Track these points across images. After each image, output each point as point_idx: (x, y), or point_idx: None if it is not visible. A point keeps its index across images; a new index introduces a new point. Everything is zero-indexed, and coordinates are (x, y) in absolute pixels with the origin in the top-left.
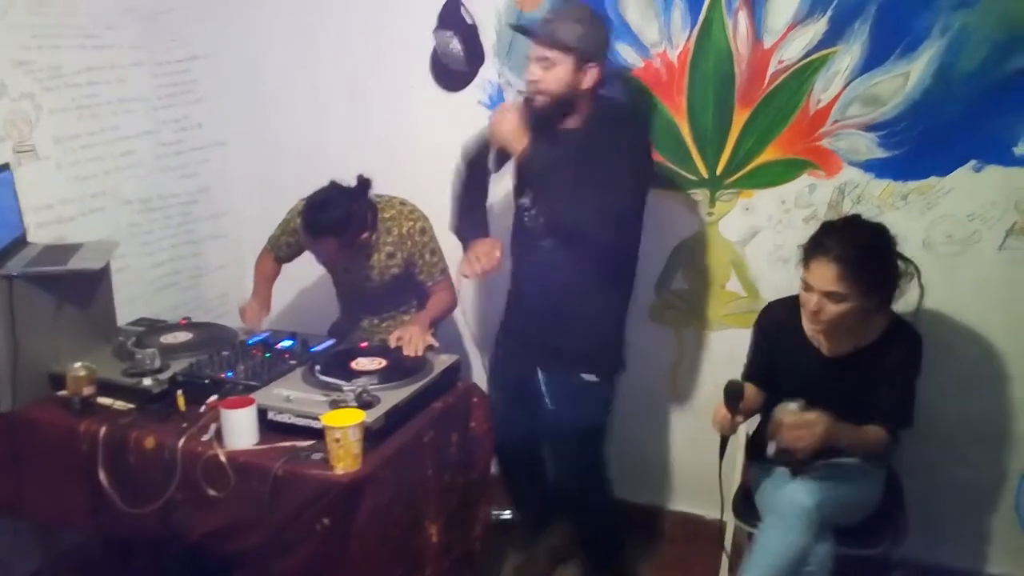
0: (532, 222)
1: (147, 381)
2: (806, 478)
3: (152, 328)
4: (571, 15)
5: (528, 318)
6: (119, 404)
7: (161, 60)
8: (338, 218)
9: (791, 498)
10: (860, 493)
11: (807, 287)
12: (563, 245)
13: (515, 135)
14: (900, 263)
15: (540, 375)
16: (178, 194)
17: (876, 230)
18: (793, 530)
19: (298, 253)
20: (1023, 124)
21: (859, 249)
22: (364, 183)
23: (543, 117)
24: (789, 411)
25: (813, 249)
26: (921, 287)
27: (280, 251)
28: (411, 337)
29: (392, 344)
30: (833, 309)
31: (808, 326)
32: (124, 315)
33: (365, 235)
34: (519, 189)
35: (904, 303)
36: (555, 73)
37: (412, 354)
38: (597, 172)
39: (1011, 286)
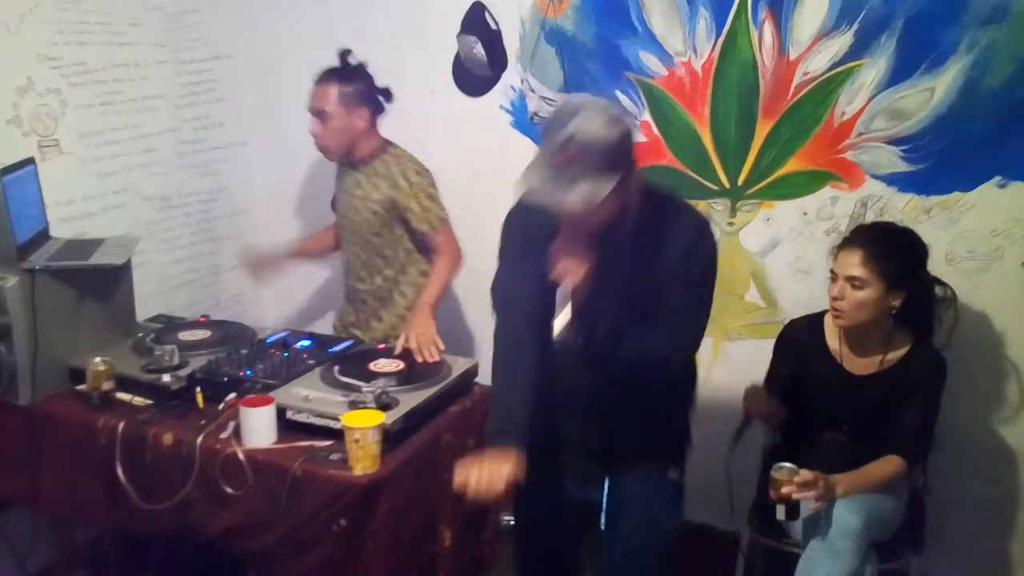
0: (582, 352)
1: (166, 377)
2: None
3: (170, 325)
4: (592, 150)
5: (585, 425)
6: (138, 400)
7: (184, 59)
8: (349, 64)
9: (838, 520)
10: (895, 505)
11: (833, 278)
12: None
13: (579, 266)
14: (937, 288)
15: (607, 489)
16: (198, 192)
17: (905, 230)
18: (844, 554)
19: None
20: None
21: (884, 240)
22: (387, 92)
23: (592, 241)
24: (786, 471)
25: (843, 242)
26: (956, 312)
27: (333, 200)
28: (418, 338)
29: (399, 347)
30: (854, 296)
31: (834, 316)
32: (142, 311)
33: (365, 116)
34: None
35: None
36: (599, 213)
37: (427, 359)
38: (673, 294)
39: None
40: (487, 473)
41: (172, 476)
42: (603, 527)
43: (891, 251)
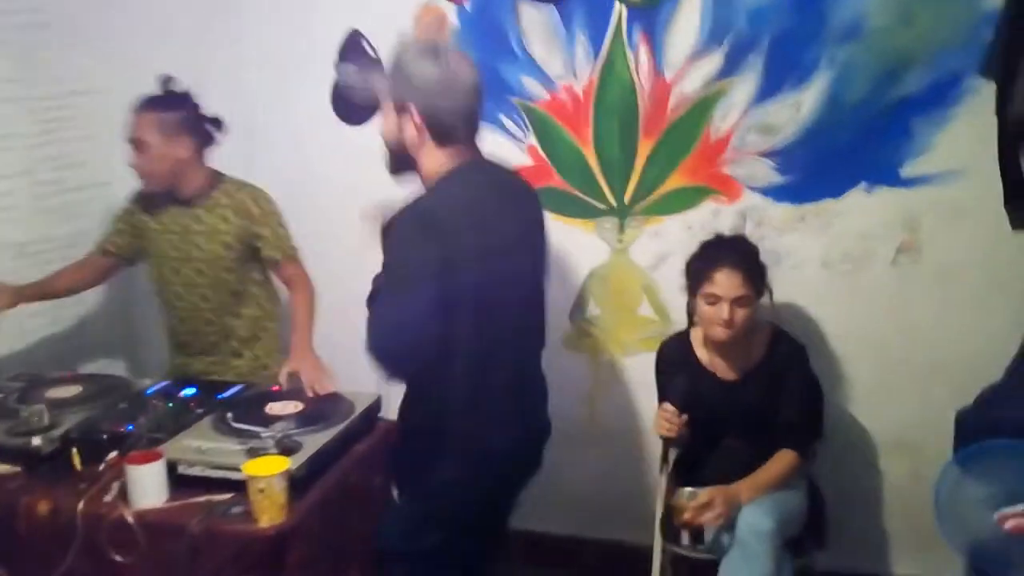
0: None
1: (36, 440)
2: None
3: (35, 382)
4: (398, 55)
5: None
6: (4, 467)
7: (37, 95)
8: (169, 93)
9: (749, 525)
10: (799, 499)
11: (713, 300)
12: None
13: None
14: None
15: None
16: (57, 238)
17: (745, 238)
18: (760, 557)
19: (128, 250)
20: (907, 148)
21: (748, 255)
22: (217, 121)
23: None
24: (685, 497)
25: (711, 264)
26: (768, 287)
27: (107, 241)
28: (310, 380)
29: (283, 383)
30: (742, 313)
31: (720, 335)
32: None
33: (187, 146)
34: None
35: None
36: (384, 120)
37: (322, 393)
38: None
39: (903, 299)
40: None
41: (51, 549)
42: None
43: (756, 262)
